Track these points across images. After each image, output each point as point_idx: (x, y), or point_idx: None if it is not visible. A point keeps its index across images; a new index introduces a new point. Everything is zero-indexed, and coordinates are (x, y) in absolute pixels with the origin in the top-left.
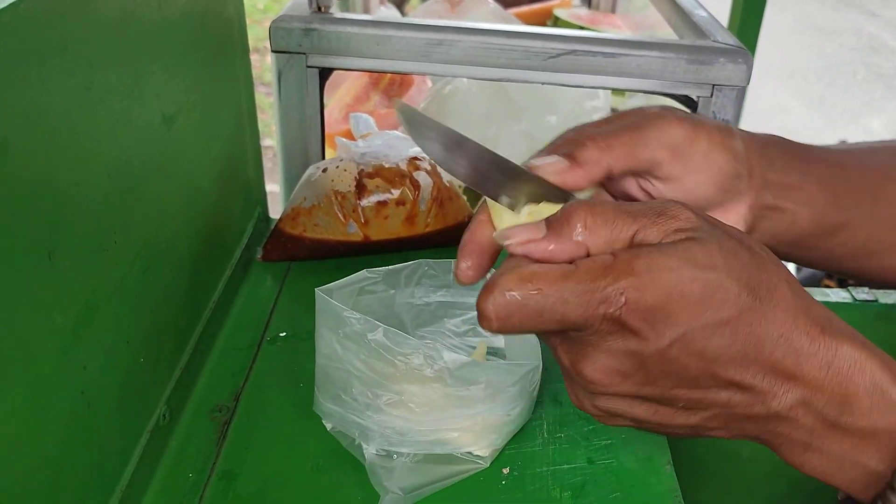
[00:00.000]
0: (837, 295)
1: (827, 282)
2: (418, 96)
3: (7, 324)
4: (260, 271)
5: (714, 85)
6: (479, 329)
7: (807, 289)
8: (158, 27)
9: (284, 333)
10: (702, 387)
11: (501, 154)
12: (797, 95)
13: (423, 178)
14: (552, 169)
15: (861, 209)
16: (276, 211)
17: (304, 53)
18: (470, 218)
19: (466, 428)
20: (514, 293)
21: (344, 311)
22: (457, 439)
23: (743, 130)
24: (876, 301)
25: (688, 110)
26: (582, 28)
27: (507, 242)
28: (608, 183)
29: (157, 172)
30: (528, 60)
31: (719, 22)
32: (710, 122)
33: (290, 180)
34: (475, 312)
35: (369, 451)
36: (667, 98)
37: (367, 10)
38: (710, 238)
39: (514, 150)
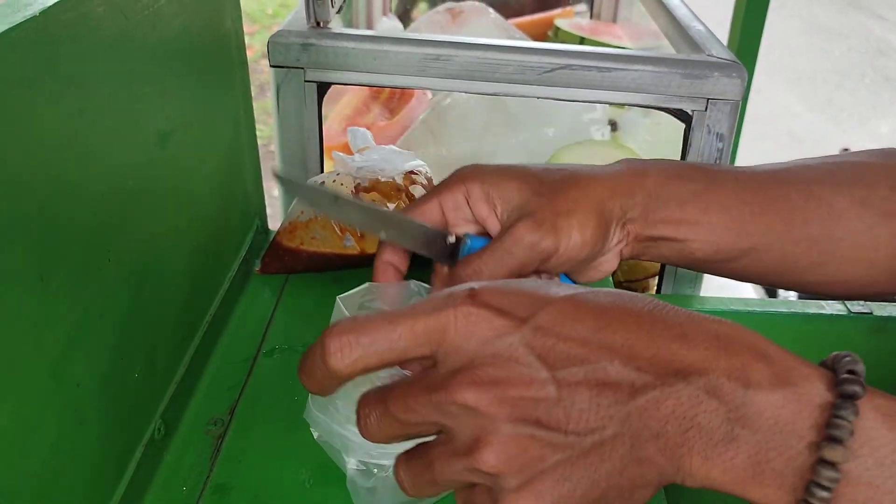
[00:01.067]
0: (832, 307)
1: None
2: (418, 108)
3: None
4: (258, 284)
5: (708, 99)
6: None
7: (803, 300)
8: (153, 47)
9: (281, 346)
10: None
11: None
12: (804, 99)
13: (418, 192)
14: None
15: (771, 233)
16: (278, 218)
17: (303, 68)
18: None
19: None
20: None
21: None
22: None
23: (639, 166)
24: (871, 313)
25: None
26: (583, 39)
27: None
28: None
29: (152, 190)
30: (524, 75)
31: (715, 35)
32: (568, 206)
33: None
34: None
35: (350, 464)
36: (662, 112)
37: (370, 21)
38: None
39: (513, 162)
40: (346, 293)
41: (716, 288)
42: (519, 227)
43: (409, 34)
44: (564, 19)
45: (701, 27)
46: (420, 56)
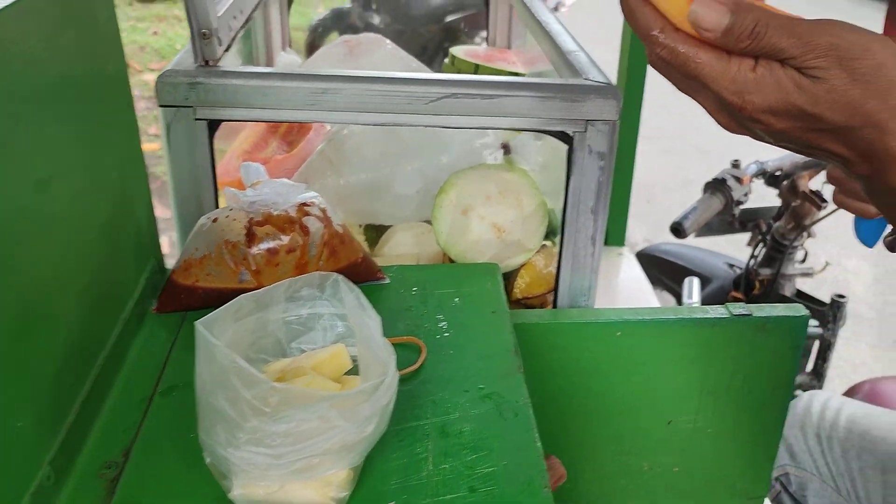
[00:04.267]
0: (716, 311)
1: (735, 294)
2: (316, 140)
3: None
4: (154, 323)
5: (587, 121)
6: (353, 334)
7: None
8: (29, 95)
9: (178, 385)
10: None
11: (397, 192)
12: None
13: (312, 224)
14: None
15: None
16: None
17: (192, 107)
18: (364, 257)
19: (323, 452)
20: None
21: (213, 345)
22: (317, 465)
23: None
24: (751, 315)
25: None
26: (478, 66)
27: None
28: None
29: (31, 237)
30: (411, 105)
31: (593, 61)
32: None
33: (186, 231)
34: (341, 322)
35: (233, 491)
36: (544, 134)
37: (269, 57)
38: None
39: (409, 190)
40: (205, 317)
41: (608, 301)
42: None
43: (296, 69)
44: (460, 47)
45: (581, 53)
46: (308, 90)
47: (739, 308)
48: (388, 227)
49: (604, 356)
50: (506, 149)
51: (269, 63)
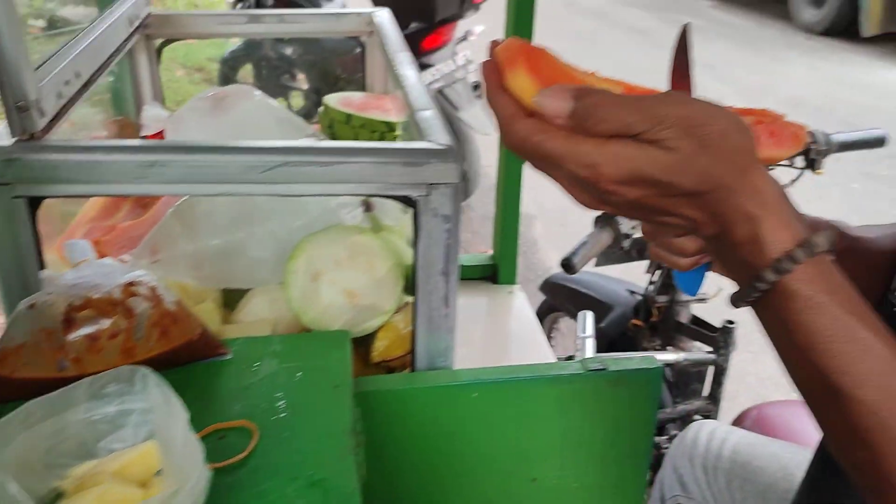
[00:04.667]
0: (572, 368)
1: (635, 321)
2: (172, 202)
3: None
4: None
5: (429, 184)
6: (155, 434)
7: (562, 362)
8: None
9: None
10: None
11: (251, 256)
12: None
13: (138, 305)
14: None
15: None
16: None
17: (10, 184)
18: (201, 334)
19: None
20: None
21: None
22: None
23: None
24: (606, 369)
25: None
26: (349, 115)
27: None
28: None
29: None
30: (245, 175)
31: (440, 120)
32: None
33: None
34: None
35: None
36: (388, 199)
37: (138, 109)
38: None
39: (264, 254)
40: None
41: (498, 344)
42: None
43: (122, 141)
44: (335, 94)
45: (429, 112)
46: (135, 164)
47: (594, 363)
48: (248, 290)
49: (464, 418)
50: (367, 206)
51: (138, 116)
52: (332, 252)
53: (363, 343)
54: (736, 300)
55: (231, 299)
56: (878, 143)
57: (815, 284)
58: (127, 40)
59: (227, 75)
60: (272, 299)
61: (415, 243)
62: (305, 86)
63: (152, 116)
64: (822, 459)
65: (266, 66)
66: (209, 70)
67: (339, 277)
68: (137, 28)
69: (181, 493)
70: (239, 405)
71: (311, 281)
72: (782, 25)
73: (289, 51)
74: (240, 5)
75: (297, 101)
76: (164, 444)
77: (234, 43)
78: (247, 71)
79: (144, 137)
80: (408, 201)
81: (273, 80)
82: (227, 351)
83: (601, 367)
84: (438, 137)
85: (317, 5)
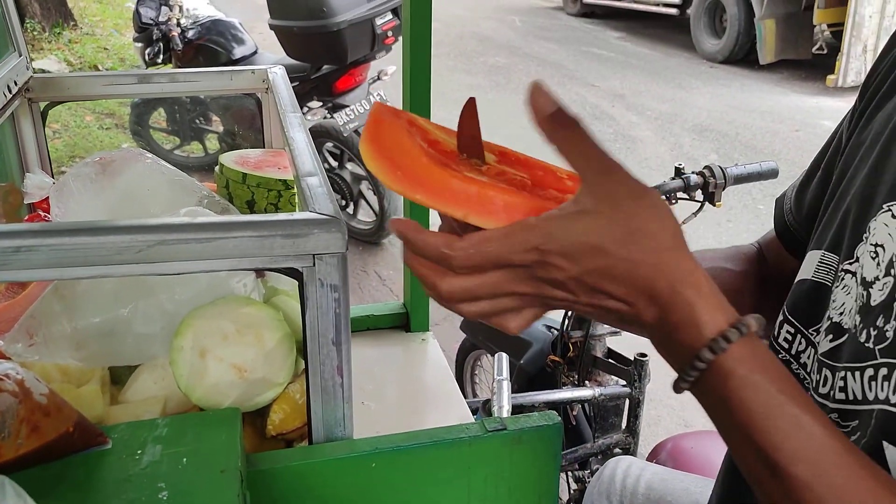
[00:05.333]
0: (471, 430)
1: (552, 357)
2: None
3: None
4: None
5: (314, 255)
6: None
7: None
8: None
9: None
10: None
11: (138, 332)
12: None
13: (4, 401)
14: None
15: None
16: None
17: None
18: (76, 425)
19: None
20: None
21: None
22: None
23: None
24: (505, 429)
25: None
26: (245, 174)
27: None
28: None
29: None
30: (119, 256)
31: (326, 186)
32: None
33: None
34: None
35: None
36: (273, 272)
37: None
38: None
39: (152, 328)
40: None
41: (410, 393)
42: None
43: None
44: (231, 153)
45: (314, 178)
46: None
47: (493, 423)
48: (137, 366)
49: (365, 489)
50: (259, 272)
51: (22, 183)
52: (219, 326)
53: (260, 415)
54: (677, 384)
55: (121, 375)
56: (770, 174)
57: (748, 363)
58: (7, 105)
59: (138, 120)
60: (162, 376)
61: (303, 315)
62: (221, 128)
63: (36, 184)
64: (726, 491)
65: (179, 109)
66: (120, 115)
67: (227, 353)
68: (18, 92)
69: None
70: (117, 500)
71: (199, 358)
72: (687, 55)
73: (203, 94)
74: (148, 50)
75: (213, 143)
76: None
77: None
78: (159, 115)
79: (30, 205)
80: (293, 273)
81: (186, 124)
82: (106, 440)
83: (501, 427)
84: (323, 207)
85: (228, 50)
